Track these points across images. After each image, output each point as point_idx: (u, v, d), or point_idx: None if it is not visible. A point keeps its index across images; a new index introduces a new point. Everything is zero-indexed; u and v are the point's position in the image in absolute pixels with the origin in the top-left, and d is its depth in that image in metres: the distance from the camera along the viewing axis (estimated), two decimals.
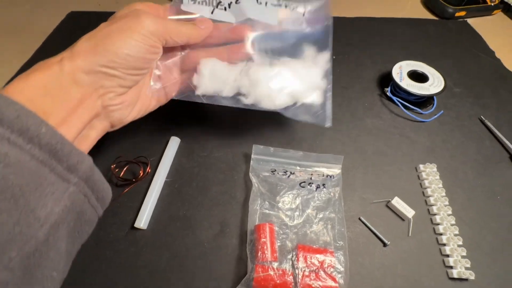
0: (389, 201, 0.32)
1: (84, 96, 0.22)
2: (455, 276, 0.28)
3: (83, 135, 0.24)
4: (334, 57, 0.50)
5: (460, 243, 0.29)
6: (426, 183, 0.34)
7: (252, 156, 0.34)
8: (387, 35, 0.55)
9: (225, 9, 0.29)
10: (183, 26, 0.27)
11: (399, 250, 0.30)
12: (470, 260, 0.28)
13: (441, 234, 0.30)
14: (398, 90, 0.42)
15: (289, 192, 0.32)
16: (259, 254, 0.26)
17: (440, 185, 0.34)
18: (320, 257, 0.27)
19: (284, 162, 0.34)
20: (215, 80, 0.29)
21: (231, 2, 0.29)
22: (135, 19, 0.24)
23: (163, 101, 0.31)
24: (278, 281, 0.25)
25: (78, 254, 0.29)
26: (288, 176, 0.33)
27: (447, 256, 0.29)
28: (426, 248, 0.30)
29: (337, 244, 0.28)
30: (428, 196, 0.33)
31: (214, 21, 0.30)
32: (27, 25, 0.59)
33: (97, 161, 0.37)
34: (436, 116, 0.41)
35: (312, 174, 0.34)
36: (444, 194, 0.33)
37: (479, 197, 0.34)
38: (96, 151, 0.36)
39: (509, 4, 0.61)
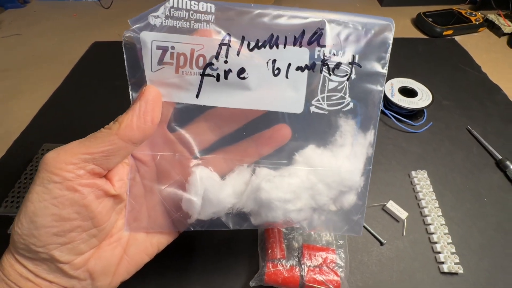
0: (384, 205, 0.36)
1: None
2: (446, 270, 0.31)
3: None
4: None
5: (450, 241, 0.33)
6: (418, 188, 0.38)
7: None
8: None
9: (218, 79, 0.19)
10: (94, 135, 0.18)
11: (394, 248, 0.33)
12: (458, 256, 0.32)
13: (432, 233, 0.34)
14: (390, 104, 0.47)
15: None
16: (269, 252, 0.30)
17: (431, 189, 0.37)
18: (323, 254, 0.30)
19: None
20: (210, 203, 0.20)
21: (229, 70, 0.19)
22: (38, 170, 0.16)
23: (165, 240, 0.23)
24: (286, 275, 0.29)
25: None
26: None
27: (438, 253, 0.32)
28: (419, 246, 0.33)
29: (338, 243, 0.32)
30: (420, 200, 0.37)
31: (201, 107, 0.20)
32: (57, 55, 0.66)
33: None
34: (426, 127, 0.45)
35: None
36: (434, 197, 0.36)
37: (467, 200, 0.37)
38: None
39: (493, 22, 0.67)
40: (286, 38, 0.19)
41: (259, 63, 0.19)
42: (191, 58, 0.18)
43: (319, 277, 0.29)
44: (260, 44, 0.19)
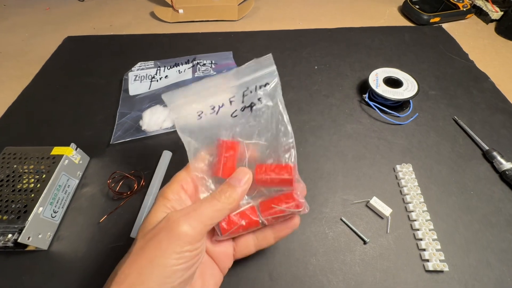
0: (368, 201, 0.35)
1: None
2: (431, 268, 0.30)
3: None
4: (316, 67, 0.53)
5: (435, 237, 0.32)
6: (403, 182, 0.36)
7: (169, 106, 0.24)
8: (366, 43, 0.58)
9: (157, 81, 0.50)
10: (215, 207, 0.22)
11: (378, 246, 0.32)
12: (444, 252, 0.30)
13: (417, 230, 0.32)
14: (375, 96, 0.45)
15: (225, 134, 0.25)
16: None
17: (416, 184, 0.36)
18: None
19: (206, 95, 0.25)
20: (153, 119, 0.43)
21: (161, 77, 0.51)
22: (169, 233, 0.20)
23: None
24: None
25: (79, 264, 0.31)
26: (217, 113, 0.25)
27: (423, 250, 0.31)
28: (404, 243, 0.32)
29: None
30: (405, 195, 0.35)
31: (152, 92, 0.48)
32: (26, 51, 0.62)
33: (94, 177, 0.39)
34: (412, 119, 0.44)
35: (243, 94, 0.24)
36: (419, 192, 0.35)
37: (453, 193, 0.36)
38: (93, 168, 0.39)
39: (481, 8, 0.65)
40: (182, 62, 0.54)
41: (172, 71, 0.52)
42: (146, 76, 0.52)
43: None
44: (172, 66, 0.53)
